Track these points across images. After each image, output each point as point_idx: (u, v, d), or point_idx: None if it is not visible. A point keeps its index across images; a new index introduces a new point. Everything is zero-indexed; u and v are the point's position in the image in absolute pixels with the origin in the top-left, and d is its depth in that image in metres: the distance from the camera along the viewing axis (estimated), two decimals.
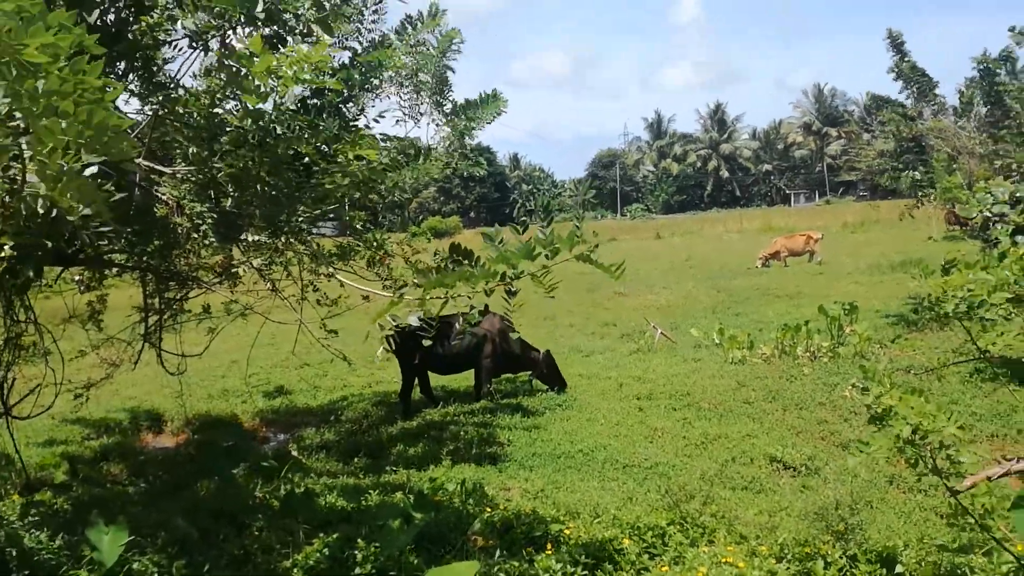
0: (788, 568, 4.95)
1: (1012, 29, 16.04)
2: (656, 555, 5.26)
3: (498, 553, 5.18)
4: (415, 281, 3.43)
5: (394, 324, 3.67)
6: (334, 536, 5.19)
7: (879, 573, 4.75)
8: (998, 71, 17.24)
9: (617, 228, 62.48)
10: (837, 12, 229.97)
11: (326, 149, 4.24)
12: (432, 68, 7.76)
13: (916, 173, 18.21)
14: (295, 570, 4.91)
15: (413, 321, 3.52)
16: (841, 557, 4.94)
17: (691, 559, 5.04)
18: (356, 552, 4.86)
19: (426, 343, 5.44)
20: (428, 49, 6.75)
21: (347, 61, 6.35)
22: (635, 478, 7.47)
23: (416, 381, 10.94)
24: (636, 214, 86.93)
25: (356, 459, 8.48)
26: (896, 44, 17.88)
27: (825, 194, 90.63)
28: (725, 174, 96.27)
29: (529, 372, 11.24)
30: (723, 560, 4.88)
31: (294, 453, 5.73)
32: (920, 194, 18.16)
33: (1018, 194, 9.93)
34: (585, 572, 5.08)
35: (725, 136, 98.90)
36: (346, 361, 7.46)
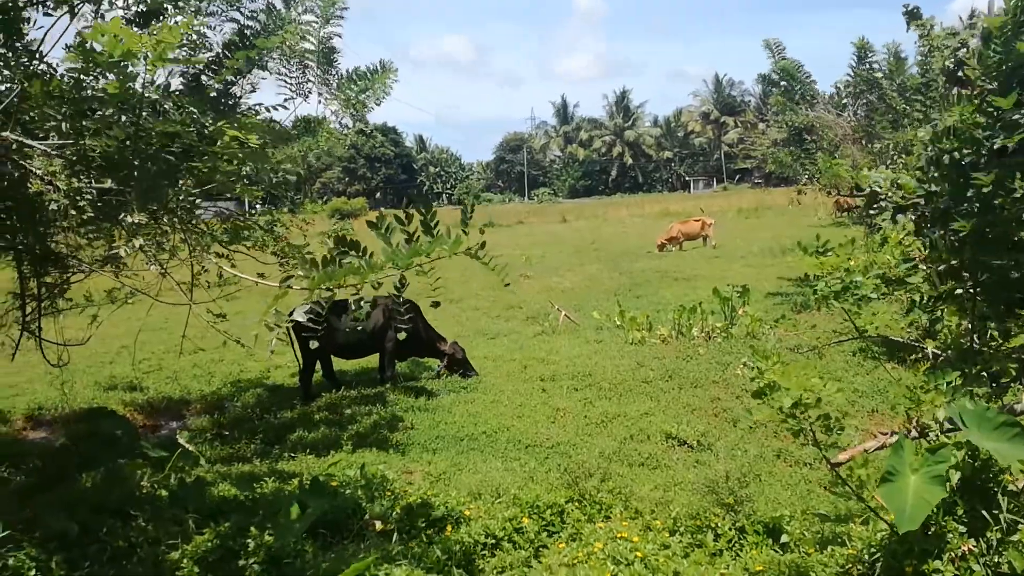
0: (680, 540, 5.11)
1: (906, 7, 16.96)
2: (555, 532, 5.34)
3: (396, 537, 5.14)
4: (301, 273, 3.31)
5: (287, 319, 3.52)
6: (225, 525, 5.02)
7: (765, 543, 4.97)
8: (870, 55, 18.15)
9: (524, 211, 62.90)
10: (735, 5, 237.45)
11: (204, 131, 4.04)
12: (317, 35, 7.48)
13: (800, 152, 19.04)
14: (184, 561, 4.72)
15: (300, 317, 3.40)
16: (730, 528, 5.14)
17: (588, 535, 5.13)
18: (249, 541, 4.71)
19: (314, 344, 5.29)
20: (314, 17, 6.56)
21: (236, 39, 6.08)
22: (537, 458, 7.55)
23: (319, 365, 10.73)
24: (543, 198, 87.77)
25: (251, 446, 8.23)
26: (777, 52, 18.64)
27: (722, 181, 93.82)
28: (629, 160, 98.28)
29: (438, 361, 11.15)
30: (618, 535, 4.99)
31: (183, 442, 5.49)
32: (805, 175, 19.04)
33: (899, 180, 10.50)
34: (485, 552, 5.11)
35: (629, 123, 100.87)
36: (241, 345, 7.22)
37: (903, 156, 16.03)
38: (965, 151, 7.19)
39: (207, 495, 5.60)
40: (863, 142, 18.86)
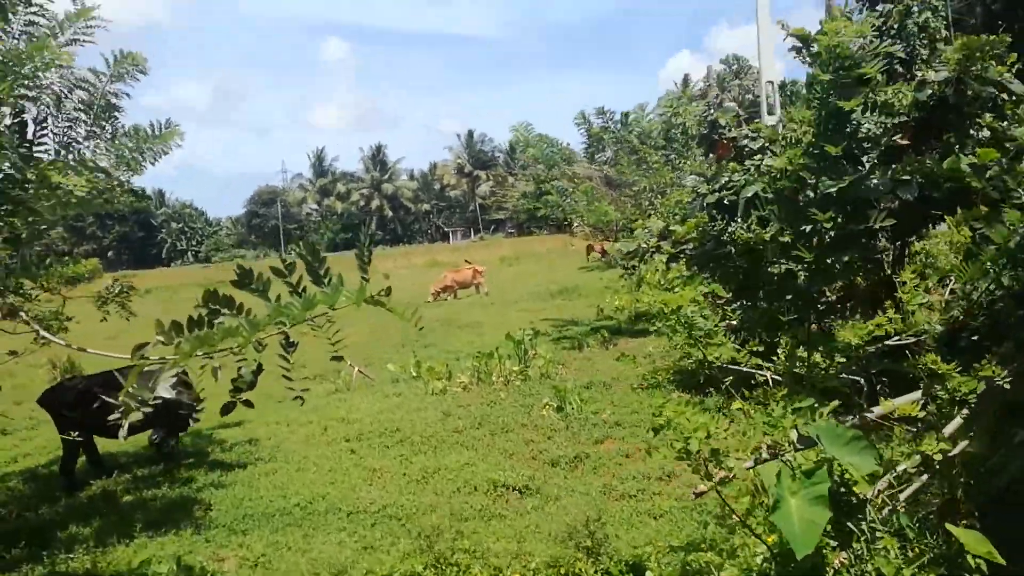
0: None
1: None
2: None
3: None
4: (160, 339, 2.73)
5: (152, 397, 2.85)
6: None
7: None
8: (602, 117, 20.12)
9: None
10: (480, 66, 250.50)
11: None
12: (101, 90, 6.75)
13: (557, 198, 20.40)
14: None
15: (165, 392, 2.81)
16: (596, 573, 5.06)
17: None
18: None
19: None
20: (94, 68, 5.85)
21: None
22: (364, 525, 7.02)
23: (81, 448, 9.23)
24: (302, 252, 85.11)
25: (14, 551, 6.81)
26: (527, 133, 20.03)
27: (479, 231, 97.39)
28: (388, 213, 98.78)
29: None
30: None
31: None
32: (575, 219, 20.38)
33: (670, 227, 11.44)
34: None
35: (386, 176, 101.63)
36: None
37: (658, 197, 17.72)
38: (724, 196, 7.99)
39: None
40: (618, 188, 20.63)
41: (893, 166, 6.79)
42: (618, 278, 24.18)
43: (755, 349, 4.99)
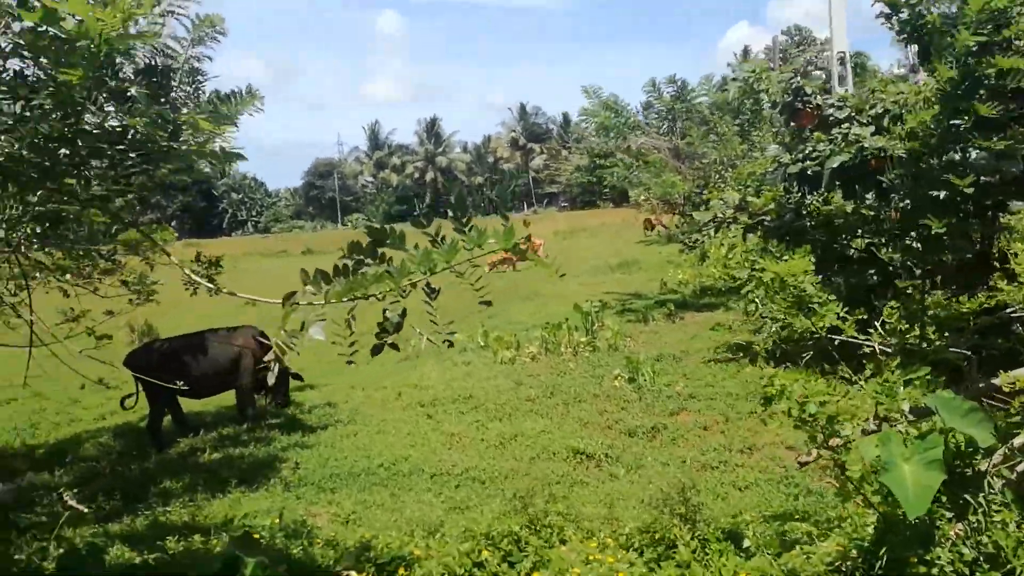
0: (644, 555, 4.97)
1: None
2: (516, 563, 5.00)
3: None
4: (310, 289, 2.83)
5: (309, 336, 2.93)
6: None
7: (729, 549, 4.93)
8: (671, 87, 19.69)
9: (340, 238, 61.32)
10: (533, 38, 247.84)
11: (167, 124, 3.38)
12: (184, 55, 6.88)
13: (622, 170, 20.06)
14: None
15: (318, 334, 2.88)
16: (693, 539, 5.06)
17: (556, 561, 4.85)
18: None
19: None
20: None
21: None
22: (448, 486, 7.17)
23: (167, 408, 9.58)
24: (358, 225, 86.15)
25: (112, 502, 7.14)
26: (595, 94, 19.56)
27: (532, 205, 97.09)
28: (442, 185, 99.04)
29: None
30: (591, 557, 4.76)
31: (72, 502, 4.53)
32: (643, 192, 20.09)
33: (748, 199, 11.23)
34: None
35: (440, 149, 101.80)
36: (107, 387, 6.22)
37: (728, 170, 17.35)
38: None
39: (105, 563, 4.68)
40: (685, 160, 20.24)
41: (994, 139, 6.57)
42: (678, 252, 23.95)
43: (861, 317, 4.88)
